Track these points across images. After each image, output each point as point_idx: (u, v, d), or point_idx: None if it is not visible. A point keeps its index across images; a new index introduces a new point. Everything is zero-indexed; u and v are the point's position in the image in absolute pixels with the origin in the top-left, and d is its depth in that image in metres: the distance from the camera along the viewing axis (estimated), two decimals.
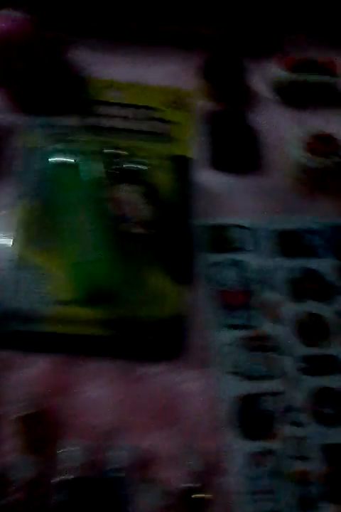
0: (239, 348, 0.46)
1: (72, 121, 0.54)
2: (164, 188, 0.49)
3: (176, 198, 0.49)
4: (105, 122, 0.55)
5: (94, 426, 0.43)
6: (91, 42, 0.60)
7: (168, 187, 0.50)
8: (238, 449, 0.43)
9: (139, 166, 0.49)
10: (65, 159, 0.45)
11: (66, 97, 0.56)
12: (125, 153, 0.50)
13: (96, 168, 0.48)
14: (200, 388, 0.45)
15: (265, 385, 0.45)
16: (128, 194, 0.47)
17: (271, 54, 0.61)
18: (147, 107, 0.56)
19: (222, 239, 0.51)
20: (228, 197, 0.54)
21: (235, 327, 0.47)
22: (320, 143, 0.54)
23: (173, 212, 0.48)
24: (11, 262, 0.46)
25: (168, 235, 0.47)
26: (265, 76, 0.60)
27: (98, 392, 0.44)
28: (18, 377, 0.44)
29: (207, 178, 0.54)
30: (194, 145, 0.55)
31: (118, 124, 0.56)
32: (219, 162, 0.55)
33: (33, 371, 0.44)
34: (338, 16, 0.63)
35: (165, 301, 0.46)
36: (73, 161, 0.46)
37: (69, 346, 0.45)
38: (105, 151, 0.50)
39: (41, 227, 0.48)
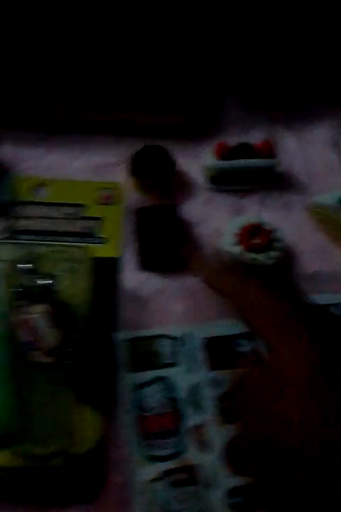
0: (163, 483, 0.41)
1: None
2: (80, 300, 0.45)
3: (94, 310, 0.45)
4: (32, 226, 0.51)
5: None
6: (18, 135, 0.56)
7: (85, 298, 0.45)
8: None
9: (50, 281, 0.45)
10: None
11: None
12: (37, 267, 0.45)
13: (11, 284, 0.44)
14: None
15: None
16: (36, 316, 0.43)
17: (203, 141, 0.57)
18: (74, 205, 0.53)
19: (146, 354, 0.47)
20: (157, 302, 0.50)
21: (159, 459, 0.42)
22: (251, 234, 0.50)
23: (89, 328, 0.44)
24: None
25: (81, 357, 0.43)
26: (198, 165, 0.56)
27: None
28: None
29: (135, 281, 0.50)
30: (122, 244, 0.51)
31: (46, 226, 0.52)
32: (149, 262, 0.51)
33: None
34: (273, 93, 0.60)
35: (78, 434, 0.41)
36: None
37: None
38: (16, 266, 0.45)
39: None
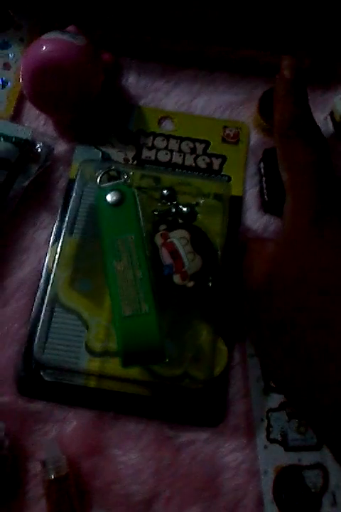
0: (282, 413, 0.43)
1: (125, 154, 0.51)
2: (214, 233, 0.46)
3: (226, 246, 0.46)
4: (158, 156, 0.52)
5: (129, 495, 0.40)
6: (145, 66, 0.56)
7: (218, 232, 0.46)
8: None
9: (190, 209, 0.46)
10: (115, 198, 0.42)
11: (118, 127, 0.52)
12: (176, 193, 0.47)
13: (147, 209, 0.45)
14: (243, 459, 0.42)
15: (310, 457, 0.42)
16: (177, 241, 0.44)
17: (330, 87, 0.57)
18: (200, 140, 0.53)
19: None
20: None
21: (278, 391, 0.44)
22: None
23: (223, 261, 0.45)
24: (48, 303, 0.43)
25: (219, 287, 0.44)
26: (323, 111, 0.56)
27: (135, 457, 0.42)
28: (53, 432, 0.42)
29: (258, 223, 0.51)
30: (245, 183, 0.52)
31: (171, 158, 0.52)
32: (272, 204, 0.51)
33: (67, 427, 0.42)
34: None
35: (210, 361, 0.43)
36: (124, 200, 0.42)
37: (106, 403, 0.43)
38: (157, 190, 0.47)
39: (85, 268, 0.45)
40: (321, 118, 0.56)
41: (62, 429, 0.42)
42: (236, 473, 0.42)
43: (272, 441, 0.43)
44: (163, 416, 0.43)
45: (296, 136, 0.39)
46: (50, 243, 0.47)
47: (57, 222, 0.48)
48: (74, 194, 0.46)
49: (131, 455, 0.42)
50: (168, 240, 0.44)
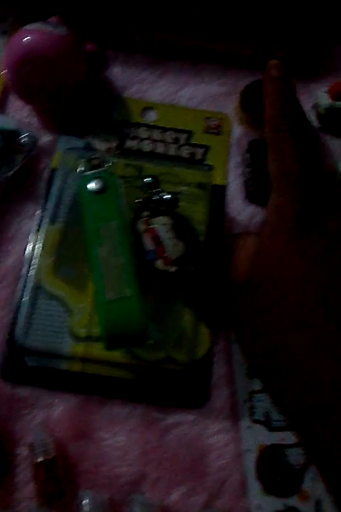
0: (265, 395, 0.44)
1: (108, 143, 0.52)
2: (196, 221, 0.46)
3: (208, 233, 0.46)
4: (141, 146, 0.53)
5: (117, 476, 0.41)
6: (130, 58, 0.57)
7: (201, 220, 0.47)
8: (263, 507, 0.41)
9: (172, 196, 0.47)
10: (98, 186, 0.43)
11: (101, 117, 0.53)
12: (159, 181, 0.47)
13: (130, 197, 0.46)
14: (227, 440, 0.43)
15: (293, 436, 0.43)
16: (159, 227, 0.44)
17: (318, 77, 0.57)
18: (183, 131, 0.54)
19: None
20: None
21: None
22: None
23: (206, 248, 0.46)
24: (32, 290, 0.43)
25: (202, 273, 0.45)
26: (309, 102, 0.56)
27: (121, 440, 0.42)
28: (40, 417, 0.42)
29: (241, 210, 0.51)
30: (229, 173, 0.53)
31: (154, 148, 0.53)
32: (257, 194, 0.52)
33: (54, 412, 0.42)
34: None
35: (194, 344, 0.44)
36: (107, 188, 0.43)
37: (92, 387, 0.43)
38: (140, 179, 0.47)
39: (68, 256, 0.45)
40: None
41: (49, 414, 0.42)
42: (221, 454, 0.42)
43: (256, 421, 0.43)
44: (148, 399, 0.43)
45: (288, 133, 0.40)
46: (33, 231, 0.47)
47: (40, 211, 0.48)
48: (56, 182, 0.47)
49: (118, 438, 0.42)
50: (150, 226, 0.45)
